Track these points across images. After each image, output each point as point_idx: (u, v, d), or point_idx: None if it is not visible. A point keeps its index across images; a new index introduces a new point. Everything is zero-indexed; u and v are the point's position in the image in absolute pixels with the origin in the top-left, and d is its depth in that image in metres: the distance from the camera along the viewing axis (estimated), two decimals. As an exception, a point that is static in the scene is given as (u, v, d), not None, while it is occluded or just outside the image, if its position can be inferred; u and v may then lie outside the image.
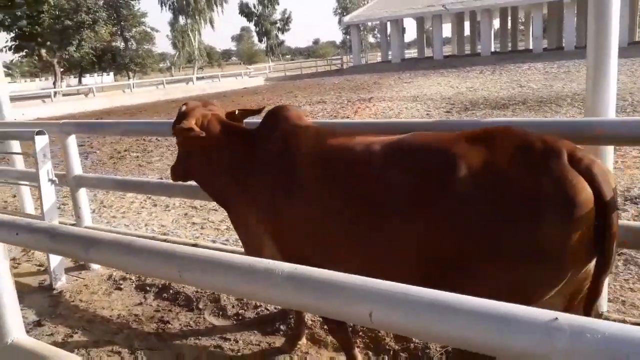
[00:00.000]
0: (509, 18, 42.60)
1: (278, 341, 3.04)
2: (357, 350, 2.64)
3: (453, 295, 1.06)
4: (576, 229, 1.63)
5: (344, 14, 64.17)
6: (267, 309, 3.43)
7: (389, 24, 42.15)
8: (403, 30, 43.46)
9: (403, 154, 1.98)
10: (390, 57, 42.19)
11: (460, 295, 1.06)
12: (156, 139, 11.99)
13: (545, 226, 1.65)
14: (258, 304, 3.48)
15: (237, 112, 2.84)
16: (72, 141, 4.39)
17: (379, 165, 2.00)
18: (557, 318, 0.88)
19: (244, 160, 2.51)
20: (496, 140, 1.82)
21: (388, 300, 1.08)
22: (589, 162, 1.69)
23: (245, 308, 3.46)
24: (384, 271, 1.79)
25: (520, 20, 48.17)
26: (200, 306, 3.56)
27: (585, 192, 1.64)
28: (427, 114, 12.98)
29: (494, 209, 1.71)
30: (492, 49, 37.87)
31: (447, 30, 49.66)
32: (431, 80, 23.50)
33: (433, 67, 32.37)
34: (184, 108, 2.71)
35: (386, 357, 2.79)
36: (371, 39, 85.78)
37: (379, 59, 47.45)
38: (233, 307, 3.49)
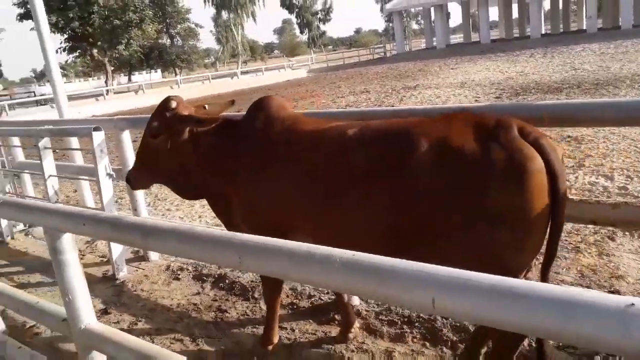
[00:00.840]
0: (560, -3, 40.75)
1: (334, 330, 3.06)
2: (277, 326, 2.91)
3: (517, 281, 1.03)
4: (531, 193, 1.78)
5: (386, 1, 63.27)
6: (321, 299, 3.45)
7: (432, 9, 41.21)
8: (448, 15, 42.42)
9: (371, 135, 2.19)
10: (435, 43, 41.27)
11: (524, 281, 1.03)
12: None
13: (500, 190, 1.81)
14: (312, 294, 3.51)
15: (206, 107, 2.87)
16: (126, 136, 4.55)
17: (351, 146, 2.21)
18: (633, 304, 0.84)
19: (231, 149, 2.66)
20: (452, 120, 2.03)
21: (450, 287, 1.06)
22: (538, 135, 1.87)
23: (300, 297, 3.50)
24: (354, 241, 2.05)
25: (572, 0, 45.92)
26: (256, 295, 3.62)
27: (537, 160, 1.80)
28: (476, 100, 12.64)
29: (451, 177, 1.88)
30: (543, 31, 36.36)
31: (493, 13, 48.04)
32: (479, 66, 22.83)
33: (480, 51, 31.45)
34: (174, 104, 2.68)
35: (444, 348, 2.76)
36: (414, 26, 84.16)
37: (423, 46, 46.56)
38: (287, 296, 3.54)
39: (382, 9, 69.84)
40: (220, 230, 1.42)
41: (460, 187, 1.87)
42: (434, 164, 1.93)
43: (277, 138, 2.51)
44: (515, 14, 44.77)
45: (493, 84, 15.61)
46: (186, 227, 1.47)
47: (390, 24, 65.68)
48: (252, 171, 2.53)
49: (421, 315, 3.05)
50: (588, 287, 3.25)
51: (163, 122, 2.66)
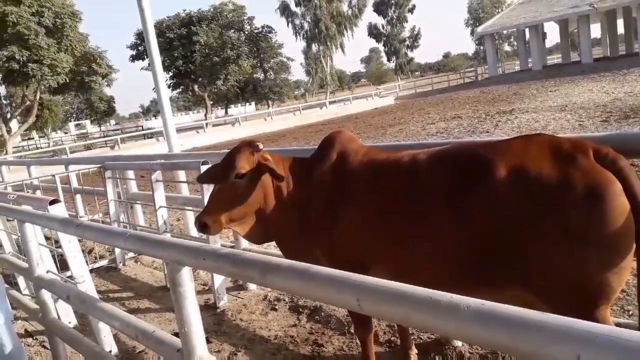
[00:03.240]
0: (673, 9, 37.37)
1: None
2: None
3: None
4: (611, 215, 1.81)
5: (477, 24, 61.93)
6: (420, 338, 3.33)
7: (527, 30, 39.66)
8: (544, 35, 40.55)
9: (449, 160, 2.24)
10: (530, 65, 39.53)
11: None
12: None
13: (581, 214, 1.84)
14: (410, 331, 3.40)
15: None
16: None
17: (428, 172, 2.26)
18: None
19: (310, 185, 2.67)
20: (528, 143, 2.07)
21: (598, 343, 0.96)
22: (615, 156, 1.92)
23: (397, 335, 3.40)
24: (437, 268, 2.20)
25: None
26: (352, 330, 3.58)
27: (614, 184, 1.83)
28: (580, 124, 11.83)
29: (531, 202, 1.92)
30: (654, 47, 33.53)
31: (595, 30, 45.16)
32: (580, 87, 21.45)
33: (582, 72, 29.61)
34: (260, 145, 2.65)
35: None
36: (507, 48, 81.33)
37: (517, 68, 44.77)
38: (385, 333, 3.45)
39: (472, 32, 68.52)
40: (337, 270, 1.41)
41: (541, 211, 1.91)
42: (512, 188, 1.97)
43: (354, 170, 2.56)
44: (620, 29, 41.76)
45: (598, 106, 14.55)
46: (302, 265, 1.48)
47: (481, 47, 64.08)
48: (333, 205, 2.55)
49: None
50: None
51: (250, 162, 2.64)
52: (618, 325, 2.27)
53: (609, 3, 33.75)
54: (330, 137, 2.80)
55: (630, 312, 3.25)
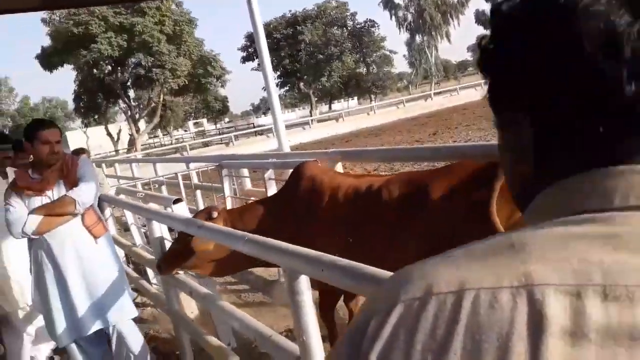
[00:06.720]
0: None
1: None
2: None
3: None
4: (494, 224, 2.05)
5: None
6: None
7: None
8: None
9: (396, 187, 2.58)
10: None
11: None
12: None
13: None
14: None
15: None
16: (339, 169, 4.76)
17: (380, 197, 2.59)
18: None
19: (278, 223, 2.92)
20: (452, 170, 2.44)
21: None
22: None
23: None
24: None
25: None
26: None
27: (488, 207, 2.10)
28: None
29: (456, 214, 2.22)
30: None
31: None
32: None
33: None
34: (215, 214, 3.01)
35: None
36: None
37: None
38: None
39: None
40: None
41: (461, 220, 2.19)
42: (442, 204, 2.30)
43: (322, 201, 2.81)
44: None
45: None
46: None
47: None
48: (308, 238, 2.70)
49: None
50: None
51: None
52: None
53: None
54: (297, 170, 3.07)
55: None
